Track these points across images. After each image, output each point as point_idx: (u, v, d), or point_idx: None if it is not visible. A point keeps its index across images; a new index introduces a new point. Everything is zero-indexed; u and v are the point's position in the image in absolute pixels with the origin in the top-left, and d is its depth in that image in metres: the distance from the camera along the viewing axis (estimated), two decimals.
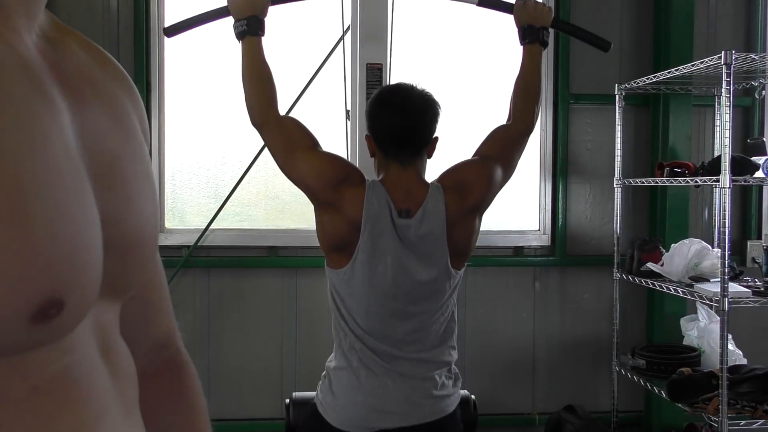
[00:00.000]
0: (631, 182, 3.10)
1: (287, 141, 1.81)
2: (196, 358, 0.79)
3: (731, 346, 2.68)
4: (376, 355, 1.76)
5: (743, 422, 2.51)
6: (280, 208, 3.29)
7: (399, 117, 1.77)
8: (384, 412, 1.75)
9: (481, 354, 3.30)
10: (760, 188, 3.42)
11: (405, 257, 1.74)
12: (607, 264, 3.24)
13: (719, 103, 3.09)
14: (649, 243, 3.05)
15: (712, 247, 2.91)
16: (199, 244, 3.12)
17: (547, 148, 3.35)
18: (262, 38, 1.86)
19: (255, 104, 1.83)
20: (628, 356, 3.03)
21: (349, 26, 2.60)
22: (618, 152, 3.15)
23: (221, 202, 3.14)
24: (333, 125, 2.88)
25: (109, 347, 0.57)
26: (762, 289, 2.61)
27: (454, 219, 1.77)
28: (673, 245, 2.87)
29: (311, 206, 1.85)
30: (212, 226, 3.13)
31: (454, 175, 1.83)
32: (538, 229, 3.39)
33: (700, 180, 2.67)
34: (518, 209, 3.40)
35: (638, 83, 3.02)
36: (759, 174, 2.58)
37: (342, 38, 2.87)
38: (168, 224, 3.20)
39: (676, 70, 2.72)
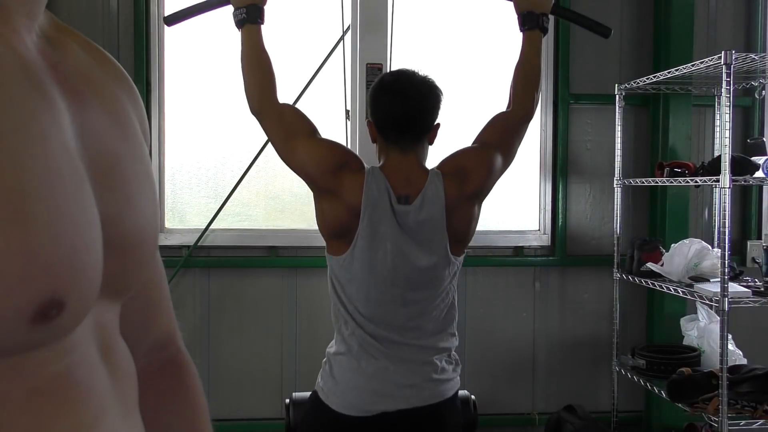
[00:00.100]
0: (631, 182, 3.10)
1: (287, 128, 1.82)
2: (196, 358, 0.79)
3: (731, 346, 2.68)
4: (377, 341, 1.77)
5: (743, 422, 2.51)
6: (280, 208, 3.29)
7: (400, 102, 1.78)
8: (385, 395, 1.76)
9: (481, 354, 3.30)
10: (760, 188, 3.42)
11: (404, 244, 1.75)
12: (607, 264, 3.24)
13: (719, 103, 3.09)
14: (649, 243, 3.05)
15: (712, 247, 2.91)
16: (199, 244, 3.12)
17: (547, 148, 3.35)
18: (262, 26, 1.86)
19: (254, 92, 1.84)
20: (628, 356, 3.03)
21: (349, 26, 2.60)
22: (618, 152, 3.15)
23: (221, 202, 3.14)
24: (333, 125, 2.88)
25: (108, 347, 0.57)
26: (762, 289, 2.61)
27: (453, 205, 1.77)
28: (673, 245, 2.87)
29: (311, 206, 1.86)
30: (212, 226, 3.13)
31: (453, 162, 1.84)
32: (538, 229, 3.39)
33: (700, 180, 2.67)
34: (518, 209, 3.40)
35: (638, 83, 3.02)
36: (759, 174, 2.58)
37: (342, 38, 2.87)
38: (168, 224, 3.20)
39: (676, 70, 2.72)
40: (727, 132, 2.37)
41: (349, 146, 2.64)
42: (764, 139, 3.05)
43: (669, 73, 2.77)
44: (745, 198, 3.45)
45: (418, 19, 3.21)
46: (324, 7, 3.10)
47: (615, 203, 3.17)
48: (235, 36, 1.89)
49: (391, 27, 2.39)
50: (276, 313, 3.21)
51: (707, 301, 2.57)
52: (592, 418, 3.05)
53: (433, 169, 1.81)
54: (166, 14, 3.12)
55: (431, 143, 1.87)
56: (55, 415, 0.49)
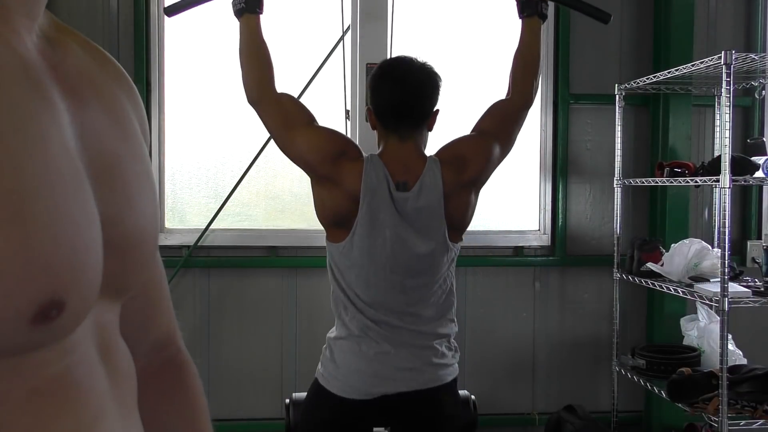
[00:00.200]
0: (631, 182, 3.10)
1: (285, 117, 1.82)
2: (196, 358, 0.79)
3: (731, 346, 2.68)
4: (377, 326, 1.79)
5: (743, 422, 2.51)
6: (280, 208, 3.29)
7: (399, 89, 1.79)
8: (386, 378, 1.77)
9: (481, 354, 3.30)
10: (760, 188, 3.42)
11: (403, 230, 1.76)
12: (607, 264, 3.24)
13: (719, 103, 3.08)
14: (649, 243, 3.05)
15: (712, 247, 2.91)
16: (199, 244, 3.12)
17: (547, 148, 3.35)
18: (260, 16, 1.87)
19: (252, 82, 1.84)
20: (628, 356, 3.03)
21: (349, 26, 2.60)
22: (618, 152, 3.15)
23: (221, 202, 3.14)
24: (333, 125, 2.87)
25: (108, 348, 0.57)
26: (762, 289, 2.61)
27: (450, 192, 1.78)
28: (673, 245, 2.87)
29: (311, 206, 1.86)
30: (212, 226, 3.13)
31: (452, 150, 1.85)
32: (538, 229, 3.39)
33: (700, 180, 2.67)
34: (518, 209, 3.40)
35: (638, 83, 3.02)
36: (759, 174, 2.58)
37: (342, 38, 2.87)
38: (168, 224, 3.20)
39: (676, 70, 2.72)
40: (727, 132, 2.37)
41: None
42: (764, 139, 3.05)
43: (669, 73, 2.77)
44: (745, 198, 3.45)
45: (418, 19, 3.20)
46: (324, 7, 3.10)
47: (615, 203, 3.17)
48: (235, 36, 1.89)
49: (391, 26, 2.39)
50: (276, 313, 3.21)
51: (707, 301, 2.57)
52: (592, 418, 3.05)
53: (431, 156, 1.82)
54: (166, 5, 3.14)
55: (430, 130, 1.87)
56: (54, 415, 0.49)
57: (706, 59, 2.50)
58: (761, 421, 2.48)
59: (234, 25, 1.89)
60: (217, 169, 3.24)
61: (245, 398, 3.19)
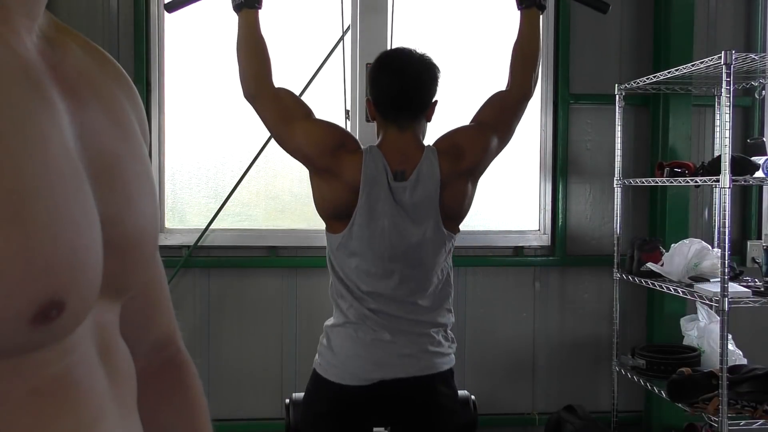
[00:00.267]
0: (631, 182, 3.10)
1: (283, 112, 1.83)
2: (196, 358, 0.79)
3: (731, 346, 2.68)
4: (375, 314, 1.79)
5: (743, 422, 2.51)
6: (280, 208, 3.29)
7: (397, 80, 1.80)
8: (383, 364, 1.78)
9: (481, 354, 3.30)
10: (760, 188, 3.42)
11: (401, 220, 1.77)
12: (607, 264, 3.24)
13: (719, 103, 3.08)
14: (649, 243, 3.05)
15: (712, 247, 2.90)
16: (199, 244, 3.12)
17: (547, 148, 3.35)
18: (259, 11, 1.87)
19: (250, 76, 1.84)
20: (628, 356, 3.03)
21: (349, 26, 2.60)
22: (618, 152, 3.15)
23: (221, 202, 3.13)
24: None
25: (108, 348, 0.57)
26: (762, 289, 2.61)
27: (447, 181, 1.79)
28: (673, 245, 2.87)
29: (311, 206, 1.86)
30: (212, 226, 3.13)
31: (449, 140, 1.85)
32: (538, 229, 3.39)
33: (700, 180, 2.67)
34: (518, 209, 3.40)
35: (638, 83, 3.02)
36: (759, 174, 2.58)
37: (342, 38, 2.87)
38: (168, 224, 3.20)
39: (676, 70, 2.72)
40: (727, 132, 2.37)
41: None
42: (764, 139, 3.05)
43: (669, 73, 2.77)
44: (745, 198, 3.45)
45: (417, 17, 3.20)
46: (324, 7, 3.10)
47: (615, 203, 3.17)
48: (235, 36, 1.89)
49: (391, 26, 2.39)
50: (276, 313, 3.21)
51: (707, 301, 2.57)
52: (592, 418, 3.05)
53: (429, 146, 1.83)
54: (165, 14, 3.14)
55: (429, 121, 1.88)
56: (54, 415, 0.49)
57: (706, 59, 2.50)
58: (761, 421, 2.48)
59: (234, 24, 1.90)
60: (217, 169, 3.24)
61: (245, 398, 3.19)
